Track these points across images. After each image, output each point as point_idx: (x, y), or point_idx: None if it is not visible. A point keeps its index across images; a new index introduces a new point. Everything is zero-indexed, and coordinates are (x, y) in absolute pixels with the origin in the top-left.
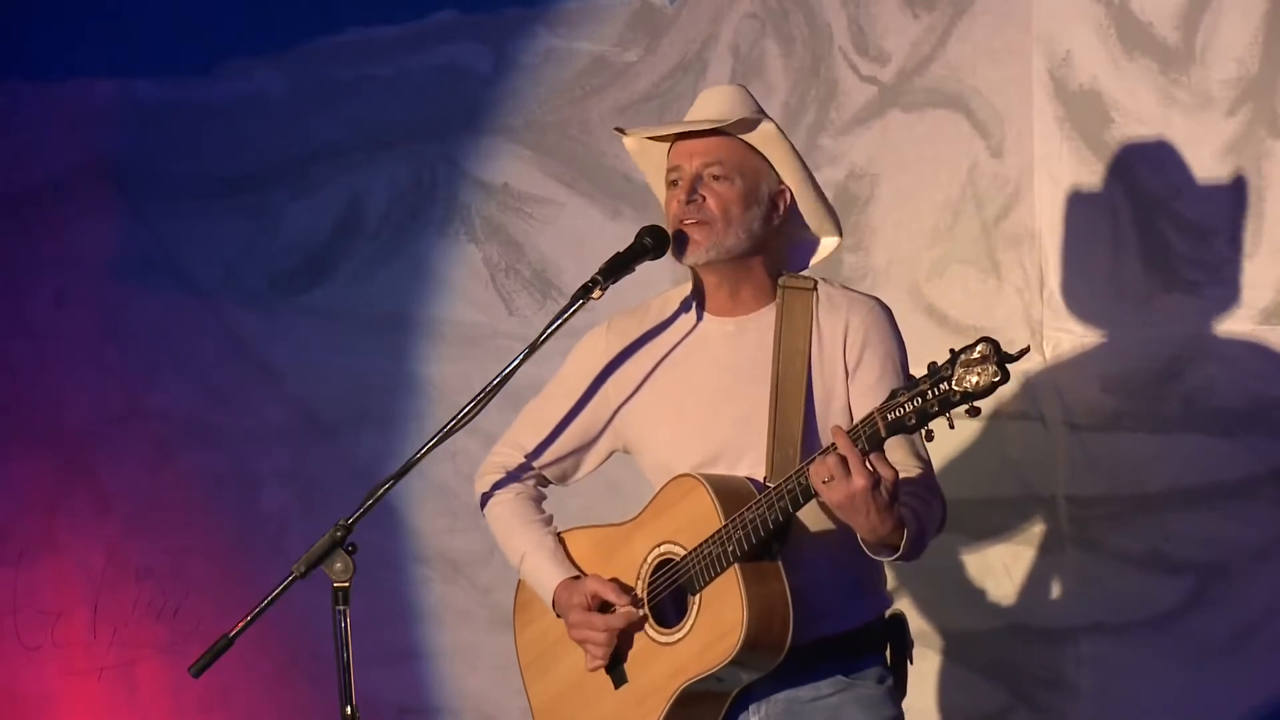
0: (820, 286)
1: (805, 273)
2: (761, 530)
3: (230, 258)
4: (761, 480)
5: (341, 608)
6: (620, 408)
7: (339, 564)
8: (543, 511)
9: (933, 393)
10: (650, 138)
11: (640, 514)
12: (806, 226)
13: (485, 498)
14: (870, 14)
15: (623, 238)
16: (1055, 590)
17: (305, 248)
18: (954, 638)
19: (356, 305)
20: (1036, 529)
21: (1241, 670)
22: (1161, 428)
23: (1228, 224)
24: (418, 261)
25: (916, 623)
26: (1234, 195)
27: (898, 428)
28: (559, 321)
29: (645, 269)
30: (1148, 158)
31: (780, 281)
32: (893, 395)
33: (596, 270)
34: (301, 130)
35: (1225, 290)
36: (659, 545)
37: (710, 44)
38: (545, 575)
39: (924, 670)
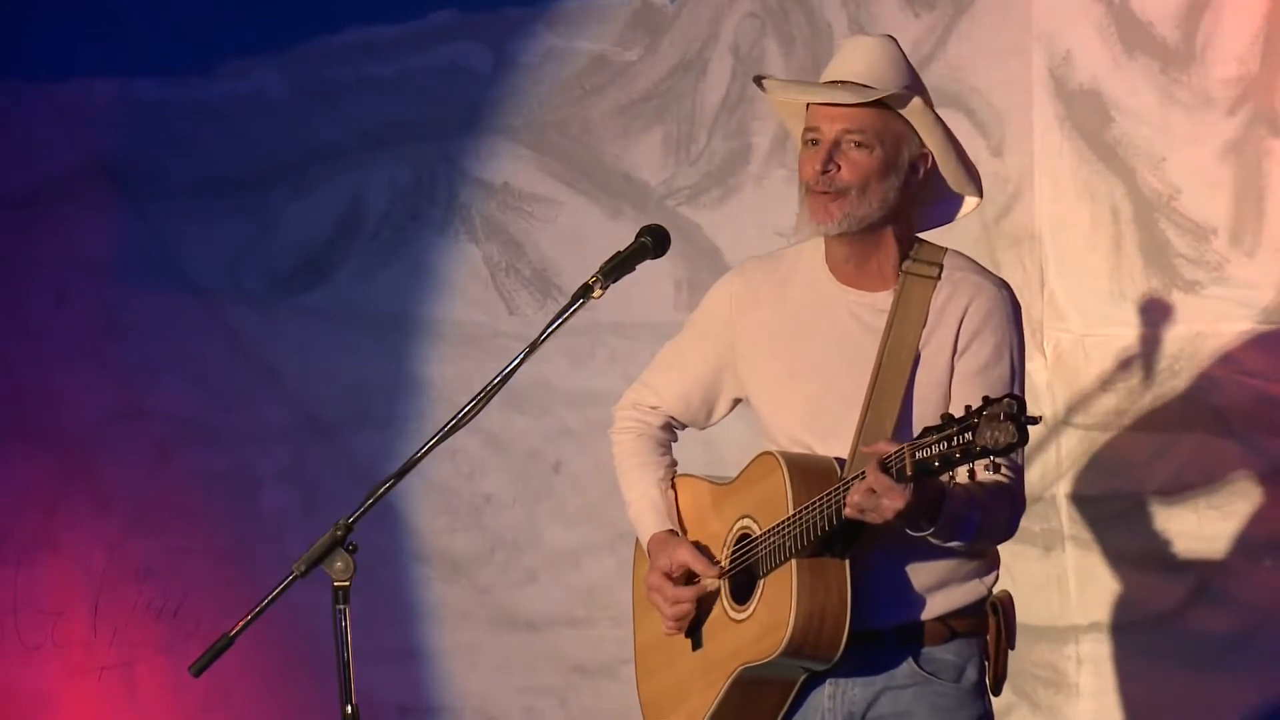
0: (947, 269)
1: (941, 241)
2: (814, 531)
3: (230, 258)
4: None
5: (341, 607)
6: (744, 359)
7: (339, 563)
8: (663, 453)
9: (958, 440)
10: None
11: (735, 480)
12: (946, 185)
13: (615, 435)
14: (870, 13)
15: (623, 237)
16: (1055, 590)
17: (305, 248)
18: None
19: (356, 305)
20: (1037, 528)
21: (1241, 670)
22: (1161, 427)
23: (1228, 224)
24: (418, 261)
25: None
26: (1234, 195)
27: (923, 468)
28: (559, 321)
29: (645, 268)
30: (1148, 157)
31: (904, 266)
32: (924, 434)
33: (596, 270)
34: (301, 130)
35: (1225, 290)
36: (742, 518)
37: (710, 43)
38: (644, 526)
39: None
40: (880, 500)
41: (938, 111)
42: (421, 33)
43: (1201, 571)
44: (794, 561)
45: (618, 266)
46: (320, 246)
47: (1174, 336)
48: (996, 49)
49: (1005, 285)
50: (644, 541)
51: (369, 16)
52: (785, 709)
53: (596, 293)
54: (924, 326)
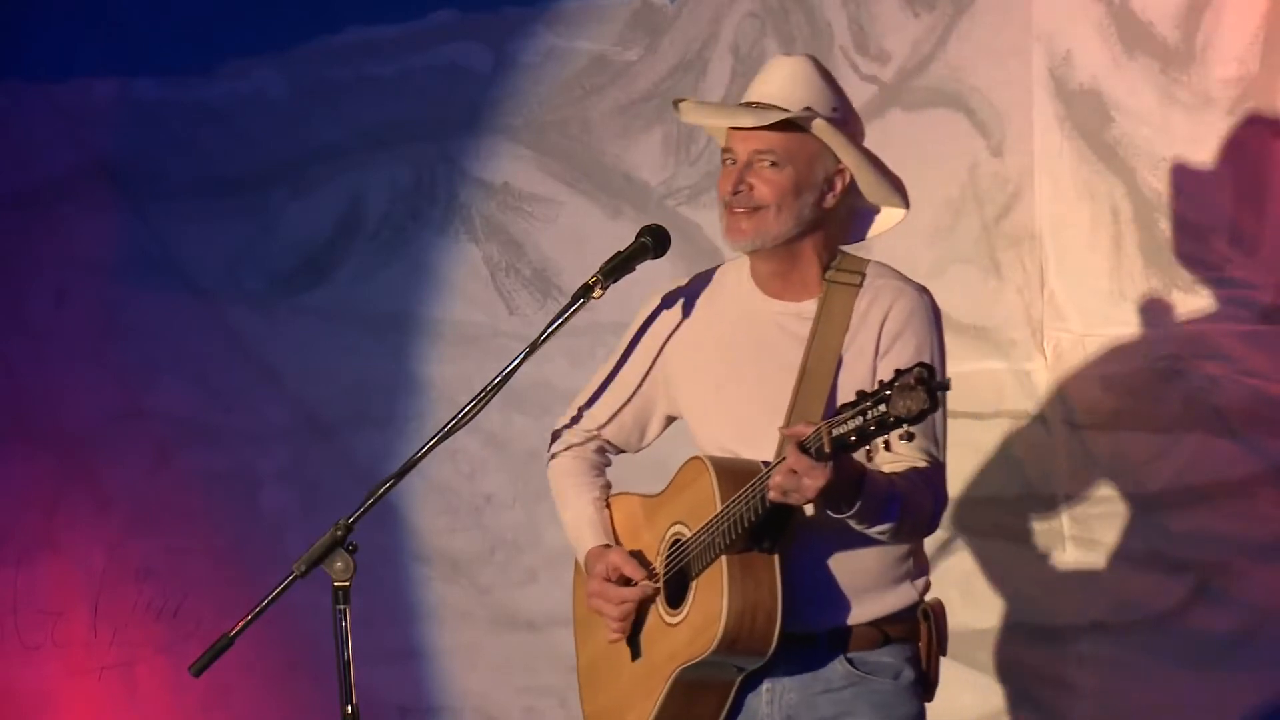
0: (869, 277)
1: (863, 253)
2: (742, 524)
3: (230, 258)
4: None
5: (342, 607)
6: (674, 375)
7: (339, 563)
8: (598, 475)
9: (872, 413)
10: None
11: (665, 489)
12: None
13: (550, 461)
14: (871, 13)
15: (623, 237)
16: (1055, 590)
17: (305, 248)
18: (955, 636)
19: (356, 305)
20: (1037, 528)
21: (1241, 670)
22: (1161, 427)
23: (1228, 224)
24: (418, 261)
25: None
26: (1234, 195)
27: (842, 444)
28: (559, 321)
29: (645, 268)
30: (1148, 157)
31: (827, 275)
32: (839, 411)
33: (596, 270)
34: (301, 130)
35: (1225, 290)
36: (673, 524)
37: (710, 43)
38: (581, 543)
39: None
40: (801, 479)
41: (937, 111)
42: (421, 33)
43: (1201, 571)
44: (724, 559)
45: (618, 266)
46: (320, 246)
47: (1174, 336)
48: (996, 49)
49: (925, 291)
50: (581, 558)
51: (369, 16)
52: (724, 713)
53: (596, 293)
54: (847, 332)
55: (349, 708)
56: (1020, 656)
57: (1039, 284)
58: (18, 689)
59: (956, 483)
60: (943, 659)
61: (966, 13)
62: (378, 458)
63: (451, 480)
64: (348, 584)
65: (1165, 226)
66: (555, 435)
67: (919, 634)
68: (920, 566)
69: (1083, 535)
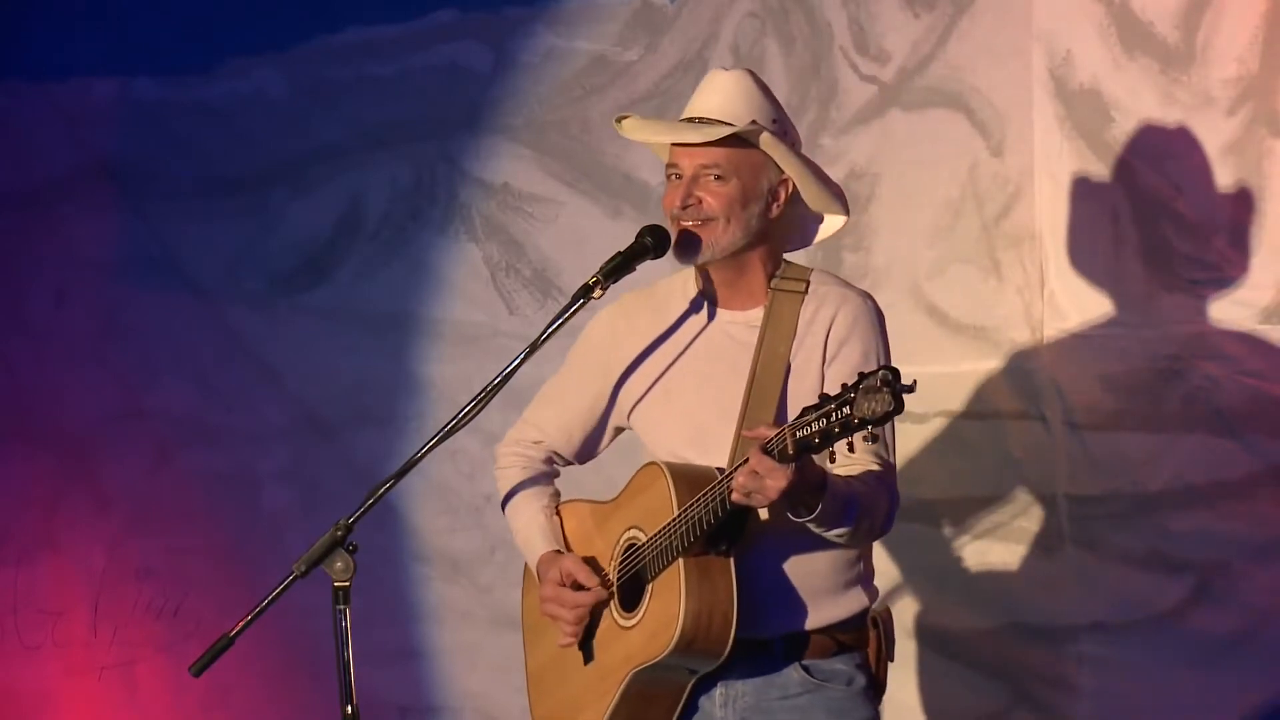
0: (813, 284)
1: (806, 262)
2: (701, 526)
3: (230, 258)
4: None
5: (342, 607)
6: (623, 387)
7: (339, 563)
8: (547, 485)
9: (836, 415)
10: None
11: (619, 495)
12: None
13: (499, 472)
14: (871, 13)
15: (623, 237)
16: (1055, 590)
17: (305, 248)
18: (955, 637)
19: (356, 305)
20: (1037, 528)
21: (1241, 670)
22: (1161, 427)
23: (1228, 224)
24: (418, 261)
25: (918, 621)
26: (1234, 195)
27: (805, 446)
28: (559, 321)
29: (645, 268)
30: (1148, 157)
31: (773, 283)
32: (803, 413)
33: (597, 270)
34: (301, 130)
35: (1225, 289)
36: (628, 530)
37: (710, 43)
38: (531, 549)
39: (925, 669)
40: (764, 481)
41: (937, 111)
42: (421, 33)
43: (1201, 571)
44: (681, 562)
45: (618, 266)
46: (320, 246)
47: (1174, 336)
48: (996, 49)
49: (868, 296)
50: (532, 564)
51: (369, 16)
52: (675, 717)
53: (596, 293)
54: (794, 338)
55: (349, 708)
56: (1020, 656)
57: (1039, 284)
58: (18, 689)
59: (957, 483)
60: (941, 659)
61: (966, 13)
62: (378, 458)
63: (451, 480)
64: (348, 584)
65: (1165, 226)
66: (504, 444)
67: (868, 641)
68: (869, 571)
69: (1083, 534)
